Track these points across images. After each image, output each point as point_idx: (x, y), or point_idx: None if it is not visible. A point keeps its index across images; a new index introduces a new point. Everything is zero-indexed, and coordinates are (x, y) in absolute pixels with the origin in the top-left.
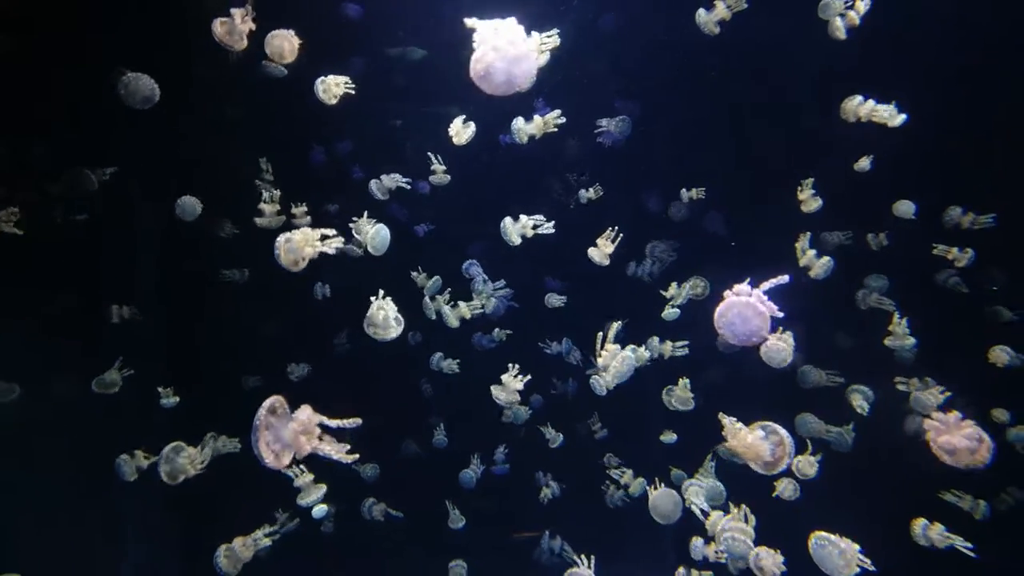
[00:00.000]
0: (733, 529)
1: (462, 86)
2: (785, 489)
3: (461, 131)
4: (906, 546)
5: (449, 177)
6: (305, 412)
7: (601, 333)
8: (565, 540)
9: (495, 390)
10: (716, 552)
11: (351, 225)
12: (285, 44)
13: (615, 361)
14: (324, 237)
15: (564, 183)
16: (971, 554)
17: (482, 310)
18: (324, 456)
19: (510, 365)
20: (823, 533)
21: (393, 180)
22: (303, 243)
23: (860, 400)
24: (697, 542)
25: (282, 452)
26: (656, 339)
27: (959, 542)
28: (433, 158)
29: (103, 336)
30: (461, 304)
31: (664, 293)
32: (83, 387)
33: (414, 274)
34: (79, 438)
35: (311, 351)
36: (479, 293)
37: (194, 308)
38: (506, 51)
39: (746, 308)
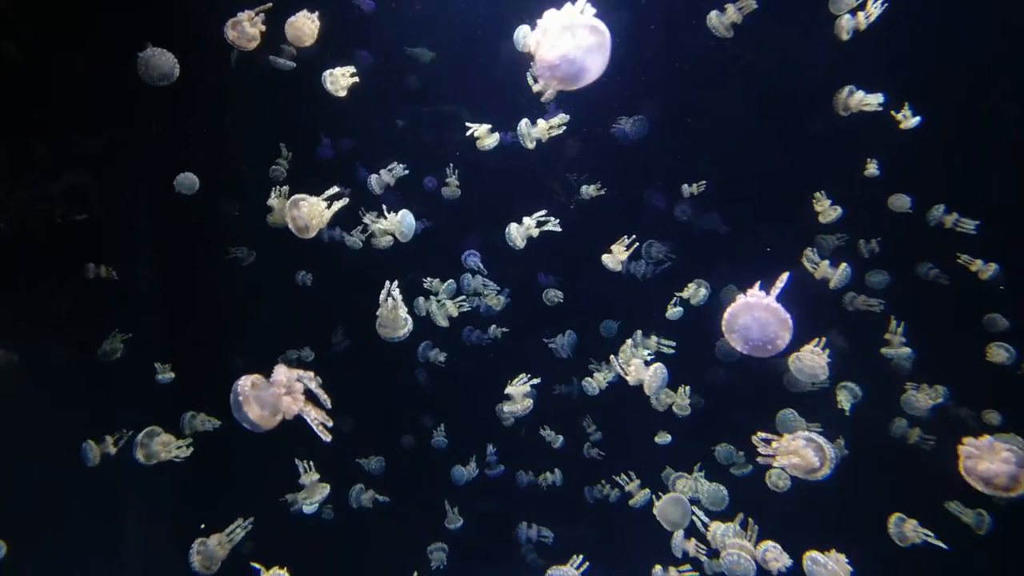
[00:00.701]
0: (736, 546)
1: (466, 87)
2: (778, 479)
3: (485, 136)
4: (905, 550)
5: (460, 192)
6: (281, 371)
7: (613, 356)
8: (540, 527)
9: (506, 405)
10: (696, 548)
11: (368, 219)
12: (306, 26)
13: (647, 374)
14: (330, 201)
15: (564, 183)
16: (944, 548)
17: (468, 309)
18: (308, 422)
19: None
20: (816, 555)
21: (392, 174)
22: (312, 214)
23: (845, 396)
24: (677, 537)
25: (271, 415)
26: (640, 333)
27: (932, 538)
28: (448, 171)
29: (102, 310)
30: (448, 303)
31: (680, 294)
32: (81, 359)
33: (426, 282)
34: (71, 412)
35: (307, 342)
36: (476, 294)
37: (195, 286)
38: (584, 38)
39: (765, 313)
